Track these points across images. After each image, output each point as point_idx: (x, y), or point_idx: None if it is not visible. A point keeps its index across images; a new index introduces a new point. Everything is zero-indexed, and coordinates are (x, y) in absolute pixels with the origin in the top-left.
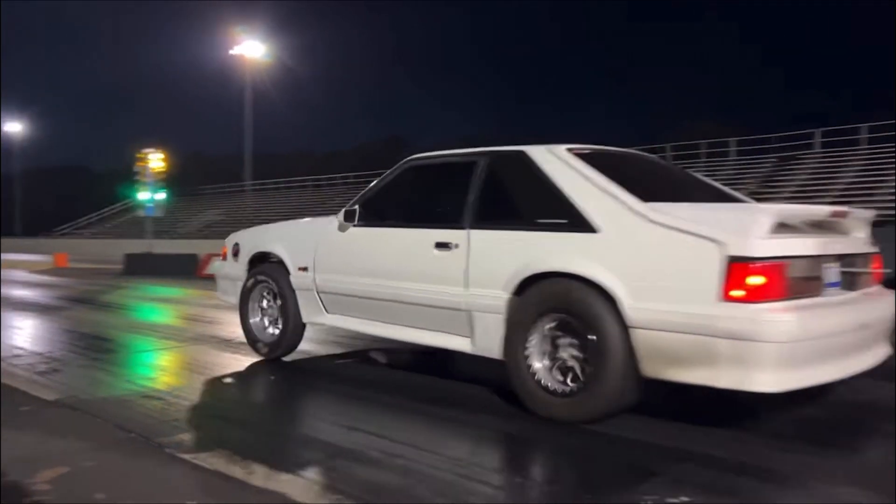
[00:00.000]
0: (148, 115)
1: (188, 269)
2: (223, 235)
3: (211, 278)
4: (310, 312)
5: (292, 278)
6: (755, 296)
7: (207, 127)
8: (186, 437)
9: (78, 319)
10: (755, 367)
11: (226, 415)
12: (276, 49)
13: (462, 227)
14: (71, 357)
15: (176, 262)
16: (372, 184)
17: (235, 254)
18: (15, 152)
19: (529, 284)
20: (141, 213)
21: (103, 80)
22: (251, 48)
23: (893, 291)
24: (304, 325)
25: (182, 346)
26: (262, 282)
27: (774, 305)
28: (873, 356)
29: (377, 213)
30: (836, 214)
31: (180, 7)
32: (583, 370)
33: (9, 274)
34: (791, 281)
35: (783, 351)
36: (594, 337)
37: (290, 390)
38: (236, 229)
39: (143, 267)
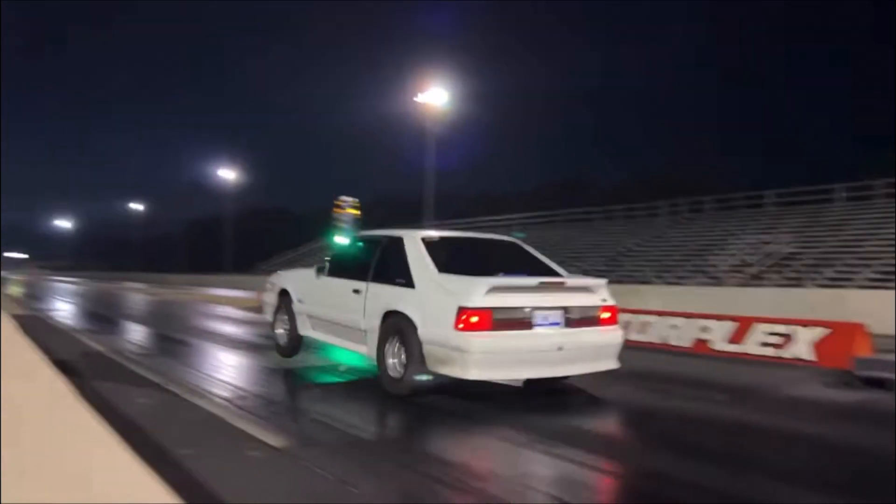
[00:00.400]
0: (340, 160)
1: None
2: None
3: None
4: (302, 328)
5: (294, 306)
6: (471, 328)
7: (391, 170)
8: (395, 494)
9: (286, 359)
10: (467, 366)
11: (436, 473)
12: (459, 93)
13: (366, 281)
14: (286, 399)
15: None
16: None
17: (271, 288)
18: (228, 196)
19: (388, 316)
20: None
21: (302, 127)
22: (435, 95)
23: (621, 329)
24: (300, 337)
25: (385, 393)
26: (282, 307)
27: (478, 333)
28: (585, 367)
29: (336, 268)
30: (545, 285)
31: (371, 61)
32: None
33: (220, 310)
34: (497, 321)
35: (477, 358)
36: (408, 347)
37: (493, 450)
38: None
39: None
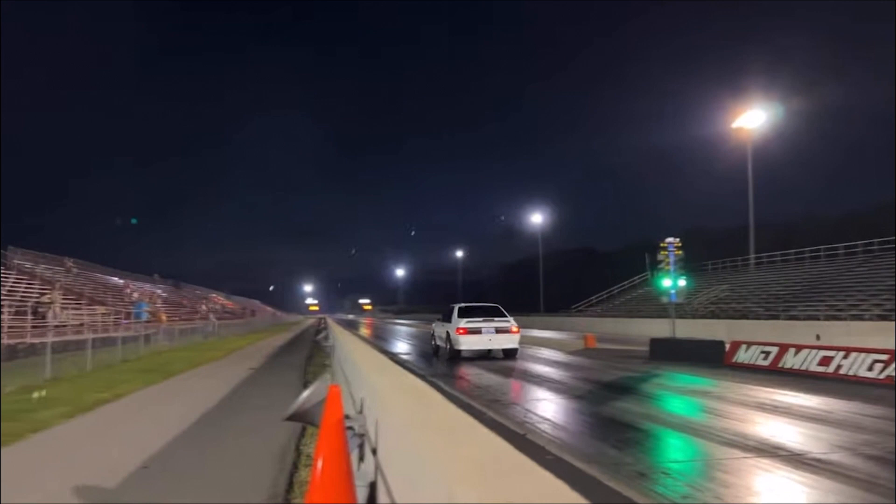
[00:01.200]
0: (642, 196)
1: (714, 357)
2: (731, 314)
3: (741, 367)
4: (437, 342)
5: (434, 334)
6: (460, 334)
7: (704, 201)
8: None
9: (638, 413)
10: (460, 345)
11: None
12: (778, 112)
13: (446, 322)
14: (640, 460)
15: (701, 348)
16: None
17: (432, 330)
18: (537, 240)
19: (446, 332)
20: (665, 299)
21: (602, 168)
22: (752, 118)
23: (518, 333)
24: (438, 346)
25: (745, 460)
26: (433, 335)
27: (462, 336)
28: (501, 345)
29: (442, 318)
30: (486, 320)
31: (680, 95)
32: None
33: (543, 353)
34: (468, 331)
35: (462, 343)
36: (450, 341)
37: None
38: (743, 305)
39: (669, 352)
